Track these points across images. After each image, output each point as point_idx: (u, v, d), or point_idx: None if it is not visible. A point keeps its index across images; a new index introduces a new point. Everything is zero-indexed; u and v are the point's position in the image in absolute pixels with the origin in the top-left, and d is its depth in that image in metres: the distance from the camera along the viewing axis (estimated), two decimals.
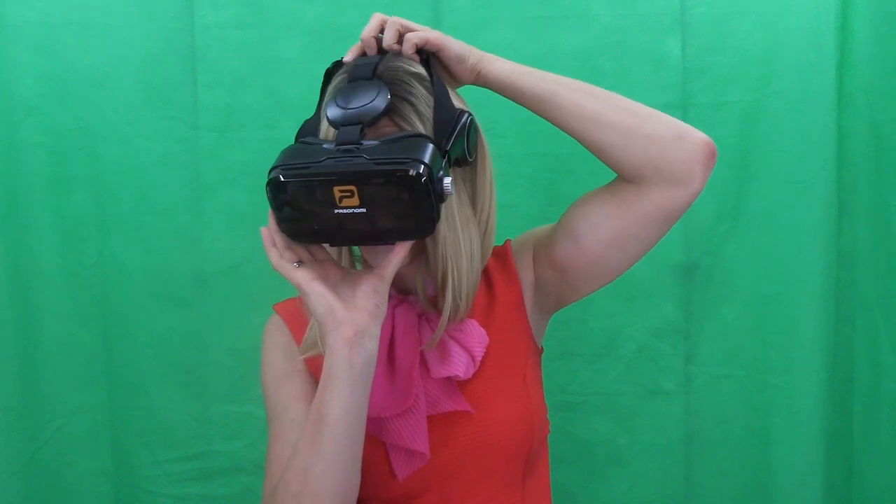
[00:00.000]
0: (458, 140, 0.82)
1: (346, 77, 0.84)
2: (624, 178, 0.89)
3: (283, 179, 0.76)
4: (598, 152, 0.89)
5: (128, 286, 1.28)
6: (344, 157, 0.74)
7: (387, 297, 0.81)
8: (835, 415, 1.33)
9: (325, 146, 0.77)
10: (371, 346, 0.78)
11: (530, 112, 1.32)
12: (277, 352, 0.95)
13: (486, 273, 0.98)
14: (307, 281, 0.78)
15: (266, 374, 0.95)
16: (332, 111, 0.80)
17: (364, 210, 0.74)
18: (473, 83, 0.91)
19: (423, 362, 0.90)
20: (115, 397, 1.30)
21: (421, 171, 0.73)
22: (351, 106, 0.79)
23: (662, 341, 1.33)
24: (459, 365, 0.88)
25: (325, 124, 0.83)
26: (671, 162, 0.84)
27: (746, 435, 1.33)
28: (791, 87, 1.28)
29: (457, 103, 0.87)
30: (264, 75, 1.28)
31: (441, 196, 0.76)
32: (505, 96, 0.90)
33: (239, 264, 1.29)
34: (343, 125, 0.78)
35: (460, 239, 0.86)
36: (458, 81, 0.90)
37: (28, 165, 1.25)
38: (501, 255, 1.00)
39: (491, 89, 0.90)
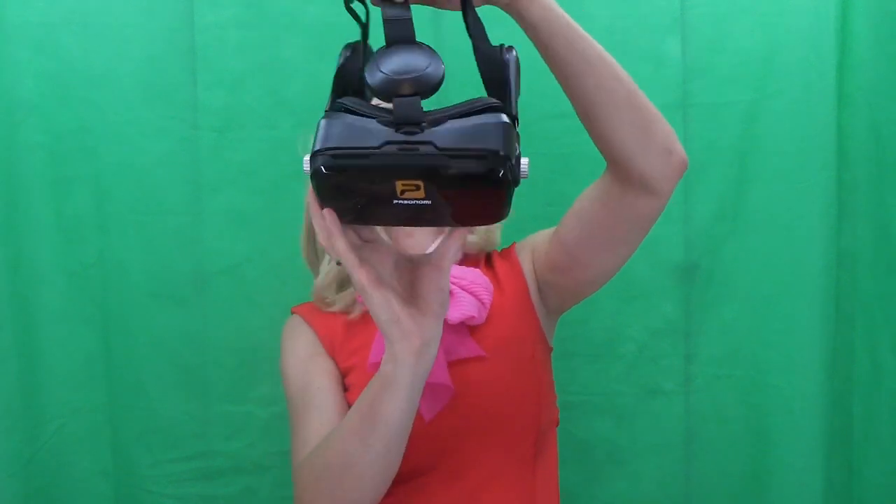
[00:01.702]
0: (517, 92, 0.69)
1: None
2: (608, 161, 0.88)
3: (328, 170, 0.62)
4: (597, 132, 0.84)
5: (128, 286, 1.28)
6: (408, 145, 0.61)
7: (448, 290, 0.74)
8: (835, 415, 1.32)
9: (379, 124, 0.62)
10: (434, 351, 0.72)
11: (530, 112, 1.32)
12: (300, 341, 1.00)
13: (494, 272, 1.03)
14: (371, 284, 0.68)
15: (287, 361, 1.00)
16: (379, 78, 0.63)
17: (430, 202, 0.63)
18: (501, 7, 0.79)
19: None
20: (115, 397, 1.30)
21: (504, 167, 0.61)
22: (404, 72, 0.62)
23: (662, 341, 1.33)
24: (471, 307, 0.92)
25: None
26: (654, 171, 0.84)
27: (746, 435, 1.33)
28: (791, 87, 1.28)
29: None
30: (264, 75, 1.28)
31: (517, 180, 0.64)
32: (530, 33, 0.81)
33: (239, 264, 1.29)
34: (398, 96, 0.62)
35: None
36: None
37: (28, 165, 1.25)
38: (507, 257, 1.05)
39: (517, 18, 0.80)
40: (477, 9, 0.75)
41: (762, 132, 1.29)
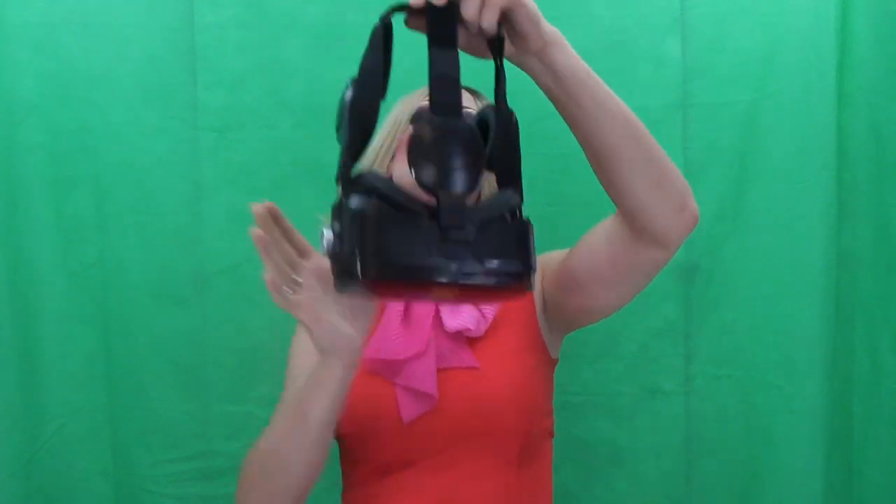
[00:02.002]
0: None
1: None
2: (621, 211, 0.87)
3: (367, 277, 0.59)
4: (610, 183, 0.84)
5: (128, 286, 1.28)
6: (450, 255, 0.59)
7: (372, 310, 0.83)
8: (835, 415, 1.32)
9: (423, 225, 0.60)
10: (358, 359, 0.82)
11: (530, 112, 1.32)
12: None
13: None
14: (312, 322, 0.79)
15: (294, 348, 1.04)
16: (425, 171, 0.60)
17: (455, 298, 0.68)
18: (526, 58, 0.77)
19: (438, 317, 0.95)
20: (115, 397, 1.30)
21: (533, 281, 0.64)
22: (452, 179, 0.60)
23: (662, 341, 1.33)
24: (470, 319, 0.94)
25: (408, 170, 0.62)
26: (664, 226, 0.83)
27: (746, 435, 1.33)
28: (791, 87, 1.28)
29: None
30: (264, 75, 1.28)
31: (534, 270, 0.65)
32: (550, 88, 0.80)
33: (239, 264, 1.29)
34: (444, 201, 0.60)
35: None
36: (517, 48, 0.76)
37: (28, 165, 1.25)
38: None
39: (537, 76, 0.79)
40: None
41: (762, 132, 1.29)
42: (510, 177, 0.68)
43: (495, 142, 0.68)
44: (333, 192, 0.78)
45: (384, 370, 0.93)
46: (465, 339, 0.95)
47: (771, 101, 1.29)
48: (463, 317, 0.95)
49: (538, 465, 0.98)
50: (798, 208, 1.29)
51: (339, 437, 0.99)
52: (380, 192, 0.61)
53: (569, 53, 0.77)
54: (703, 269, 1.32)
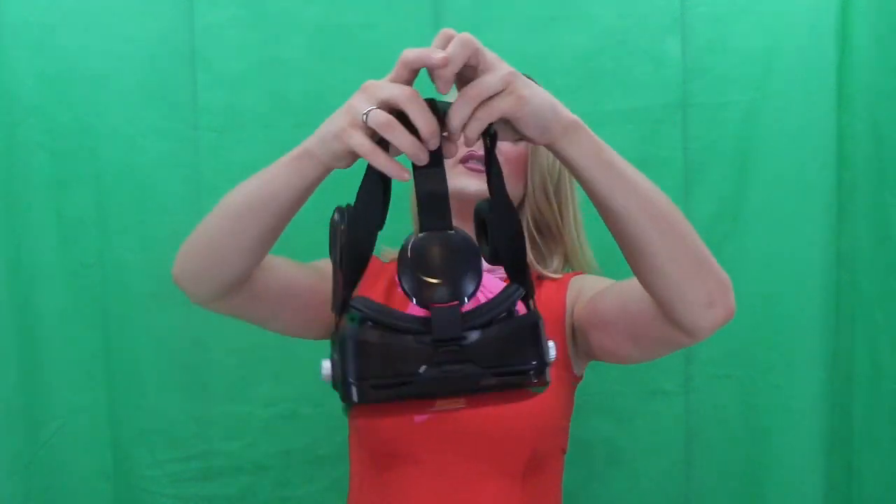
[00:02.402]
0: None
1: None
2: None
3: (372, 401, 0.60)
4: (643, 273, 0.80)
5: (128, 286, 1.28)
6: (447, 368, 0.59)
7: None
8: (835, 415, 1.32)
9: (417, 342, 0.60)
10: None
11: None
12: None
13: (538, 293, 1.00)
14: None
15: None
16: (414, 283, 0.61)
17: (463, 406, 0.65)
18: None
19: None
20: (115, 397, 1.30)
21: (545, 371, 0.62)
22: (442, 280, 0.61)
23: None
24: None
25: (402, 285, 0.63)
26: (693, 319, 0.79)
27: (746, 435, 1.33)
28: (791, 87, 1.28)
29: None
30: (264, 75, 1.28)
31: (548, 363, 0.64)
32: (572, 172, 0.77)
33: None
34: (436, 305, 0.60)
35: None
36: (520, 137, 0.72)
37: (28, 165, 1.25)
38: (559, 282, 1.04)
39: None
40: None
41: (762, 132, 1.29)
42: (516, 267, 0.67)
43: (497, 235, 0.67)
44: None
45: None
46: None
47: (771, 101, 1.29)
48: None
49: (544, 479, 0.96)
50: (798, 208, 1.29)
51: (350, 422, 1.00)
52: (370, 317, 0.61)
53: (583, 145, 0.73)
54: None
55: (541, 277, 1.04)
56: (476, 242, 0.64)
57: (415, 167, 0.64)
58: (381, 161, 0.64)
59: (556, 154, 0.73)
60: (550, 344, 0.64)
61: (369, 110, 0.64)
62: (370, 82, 0.66)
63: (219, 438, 1.31)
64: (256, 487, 1.32)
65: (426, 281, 0.61)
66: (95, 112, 1.26)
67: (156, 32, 1.26)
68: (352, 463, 1.03)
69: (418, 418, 0.92)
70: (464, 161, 0.97)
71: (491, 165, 0.67)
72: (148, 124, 1.27)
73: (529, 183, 1.02)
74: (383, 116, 0.63)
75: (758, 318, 1.31)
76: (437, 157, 0.64)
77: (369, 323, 0.61)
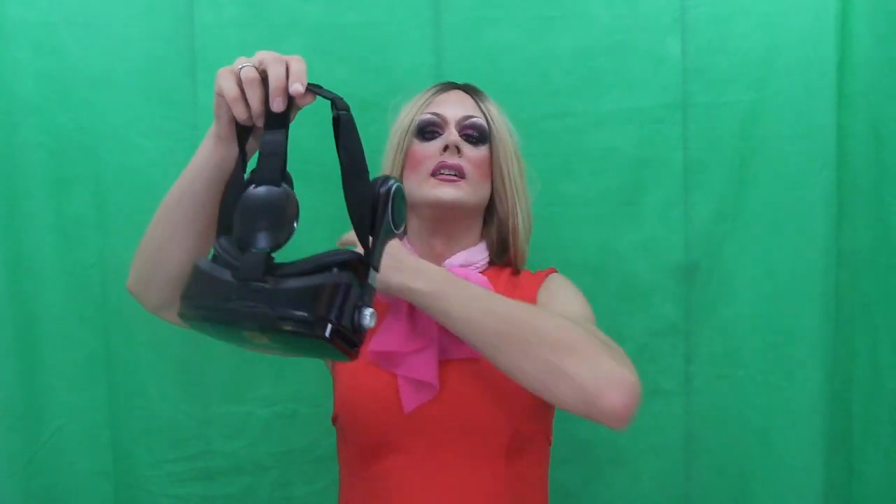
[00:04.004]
0: (383, 227, 0.75)
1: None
2: None
3: (186, 320, 0.74)
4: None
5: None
6: (247, 304, 0.70)
7: None
8: (835, 415, 1.32)
9: (232, 276, 0.72)
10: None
11: (530, 112, 1.32)
12: None
13: (518, 281, 1.06)
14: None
15: None
16: (237, 230, 0.74)
17: (276, 346, 0.74)
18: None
19: None
20: (115, 397, 1.30)
21: (329, 332, 0.68)
22: (257, 228, 0.72)
23: (662, 341, 1.33)
24: None
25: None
26: (582, 415, 0.83)
27: (746, 435, 1.33)
28: (791, 87, 1.28)
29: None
30: None
31: (359, 328, 0.71)
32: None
33: None
34: (248, 249, 0.72)
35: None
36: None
37: (28, 165, 1.25)
38: (540, 274, 1.08)
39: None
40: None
41: (762, 132, 1.29)
42: (359, 234, 0.75)
43: (348, 201, 0.75)
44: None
45: (387, 362, 0.95)
46: None
47: (771, 101, 1.29)
48: None
49: (527, 463, 0.98)
50: (798, 208, 1.29)
51: (337, 418, 1.01)
52: (217, 252, 0.75)
53: (422, 296, 0.88)
54: (703, 269, 1.32)
55: (516, 271, 1.09)
56: (295, 201, 0.74)
57: (265, 126, 0.77)
58: (240, 109, 0.78)
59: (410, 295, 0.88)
60: (367, 312, 0.71)
61: (245, 66, 0.78)
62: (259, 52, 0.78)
63: (219, 438, 1.31)
64: (256, 487, 1.32)
65: (245, 230, 0.73)
66: (95, 112, 1.26)
67: (156, 32, 1.26)
68: (340, 466, 1.04)
69: (408, 406, 0.94)
70: (434, 173, 1.01)
71: (339, 137, 0.76)
72: (148, 124, 1.27)
73: (496, 184, 1.06)
74: (252, 73, 0.77)
75: (758, 318, 1.31)
76: (282, 121, 0.76)
77: (214, 257, 0.75)
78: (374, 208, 0.75)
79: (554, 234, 1.28)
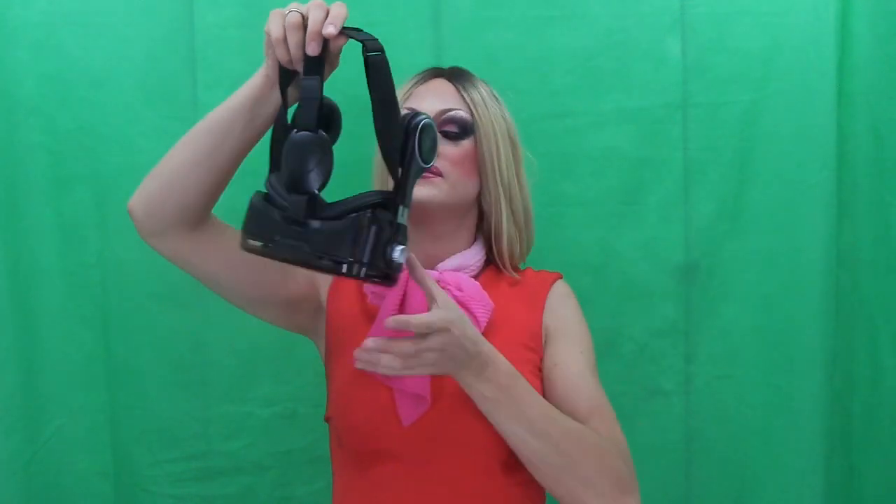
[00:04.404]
0: (413, 164, 0.80)
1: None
2: None
3: (244, 247, 0.81)
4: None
5: (128, 286, 1.28)
6: (289, 246, 0.77)
7: None
8: (835, 415, 1.32)
9: (279, 216, 0.78)
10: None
11: (530, 112, 1.32)
12: None
13: (525, 280, 1.05)
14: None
15: None
16: (284, 174, 0.79)
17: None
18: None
19: None
20: (115, 397, 1.30)
21: (361, 269, 0.75)
22: (293, 171, 0.78)
23: (662, 341, 1.32)
24: None
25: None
26: None
27: (746, 435, 1.33)
28: (791, 87, 1.28)
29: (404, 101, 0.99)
30: None
31: (390, 265, 0.77)
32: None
33: None
34: (290, 191, 0.78)
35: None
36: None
37: (28, 165, 1.25)
38: (546, 278, 1.06)
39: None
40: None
41: (762, 132, 1.29)
42: (391, 172, 0.80)
43: (380, 139, 0.80)
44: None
45: (379, 374, 0.91)
46: None
47: (771, 101, 1.29)
48: None
49: (525, 475, 0.95)
50: (798, 208, 1.29)
51: (331, 419, 1.00)
52: (267, 191, 0.81)
53: (484, 394, 0.87)
54: (703, 269, 1.32)
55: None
56: (327, 145, 0.78)
57: (304, 71, 0.80)
58: (282, 51, 0.80)
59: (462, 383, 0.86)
60: (398, 249, 0.76)
61: (292, 10, 0.80)
62: None
63: (219, 438, 1.31)
64: (256, 487, 1.32)
65: (288, 169, 0.77)
66: (95, 112, 1.26)
67: (156, 32, 1.26)
68: (334, 467, 1.02)
69: (406, 420, 0.92)
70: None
71: (370, 78, 0.79)
72: (148, 124, 1.26)
73: (482, 180, 1.02)
74: (296, 17, 0.79)
75: (758, 318, 1.31)
76: (318, 66, 0.79)
77: (266, 196, 0.81)
78: (405, 145, 0.80)
79: (554, 234, 1.28)
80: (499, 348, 0.94)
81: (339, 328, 1.02)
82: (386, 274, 0.77)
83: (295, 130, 0.78)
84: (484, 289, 0.99)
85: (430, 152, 0.83)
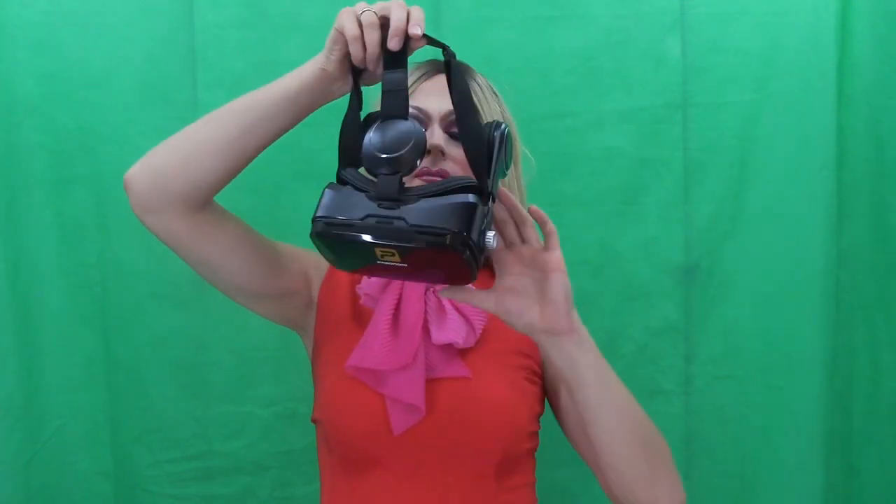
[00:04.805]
0: (498, 167, 0.80)
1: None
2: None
3: (322, 235, 0.76)
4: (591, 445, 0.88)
5: (128, 286, 1.28)
6: (384, 220, 0.74)
7: None
8: (835, 415, 1.32)
9: (366, 198, 0.76)
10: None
11: (530, 112, 1.31)
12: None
13: None
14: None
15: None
16: (368, 152, 0.77)
17: (406, 265, 0.76)
18: (545, 338, 0.83)
19: (426, 329, 0.93)
20: (115, 397, 1.30)
21: (462, 243, 0.72)
22: (387, 151, 0.76)
23: (662, 341, 1.33)
24: (457, 332, 0.92)
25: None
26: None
27: (746, 435, 1.33)
28: (791, 87, 1.28)
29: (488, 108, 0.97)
30: (264, 75, 1.26)
31: (483, 249, 0.75)
32: (558, 367, 0.85)
33: None
34: (382, 173, 0.76)
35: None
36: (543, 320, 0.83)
37: (28, 165, 1.25)
38: None
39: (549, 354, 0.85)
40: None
41: (762, 132, 1.30)
42: (476, 169, 0.79)
43: (463, 142, 0.80)
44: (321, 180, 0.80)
45: (369, 379, 0.91)
46: (455, 350, 0.93)
47: (771, 101, 1.29)
48: (449, 329, 0.92)
49: (517, 480, 0.95)
50: (798, 208, 1.29)
51: (319, 422, 0.98)
52: (346, 179, 0.79)
53: (587, 351, 0.85)
54: (703, 269, 1.32)
55: None
56: (423, 130, 0.78)
57: (385, 66, 0.80)
58: (357, 48, 0.80)
59: (559, 348, 0.83)
60: (490, 234, 0.75)
61: (366, 10, 0.80)
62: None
63: (219, 438, 1.31)
64: (256, 487, 1.32)
65: (377, 156, 0.76)
66: (95, 112, 1.26)
67: (156, 32, 1.26)
68: (322, 471, 1.01)
69: (398, 429, 0.90)
70: (420, 176, 0.96)
71: (450, 80, 0.80)
72: (148, 124, 1.27)
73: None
74: (373, 17, 0.79)
75: (758, 318, 1.32)
76: (400, 61, 0.80)
77: (343, 182, 0.79)
78: (490, 150, 0.79)
79: None
80: (492, 355, 0.93)
81: (329, 327, 1.01)
82: (478, 260, 0.75)
83: (380, 119, 0.79)
84: None
85: (510, 159, 0.84)
